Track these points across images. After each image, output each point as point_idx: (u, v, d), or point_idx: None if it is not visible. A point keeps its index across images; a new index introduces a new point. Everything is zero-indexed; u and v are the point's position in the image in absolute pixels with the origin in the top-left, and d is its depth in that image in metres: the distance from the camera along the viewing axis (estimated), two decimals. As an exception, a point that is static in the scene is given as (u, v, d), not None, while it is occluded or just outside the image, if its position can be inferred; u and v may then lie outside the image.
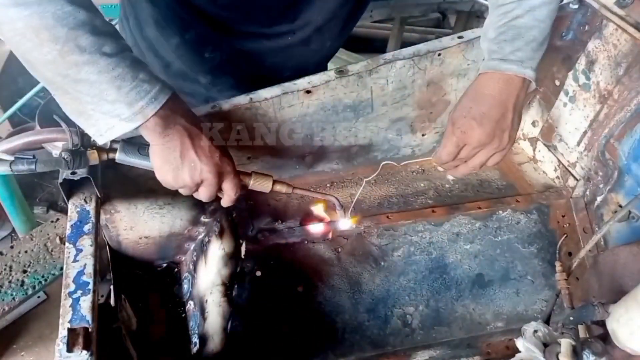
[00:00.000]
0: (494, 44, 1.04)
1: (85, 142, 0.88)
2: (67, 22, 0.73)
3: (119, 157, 0.90)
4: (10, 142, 0.88)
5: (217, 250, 1.21)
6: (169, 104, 0.82)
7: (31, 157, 0.86)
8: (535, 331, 0.85)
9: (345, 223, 1.17)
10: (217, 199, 0.96)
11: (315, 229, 1.23)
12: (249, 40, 1.24)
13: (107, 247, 1.19)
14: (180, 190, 0.91)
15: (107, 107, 0.78)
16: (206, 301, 1.18)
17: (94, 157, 0.89)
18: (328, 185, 1.35)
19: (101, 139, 0.82)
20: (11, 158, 0.85)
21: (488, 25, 1.08)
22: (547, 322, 0.94)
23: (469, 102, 1.04)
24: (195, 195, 0.93)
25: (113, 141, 0.89)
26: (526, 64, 1.01)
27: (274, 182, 0.99)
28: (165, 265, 1.30)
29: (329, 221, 1.23)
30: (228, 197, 0.94)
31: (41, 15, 0.71)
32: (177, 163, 0.86)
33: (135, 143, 0.90)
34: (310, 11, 1.19)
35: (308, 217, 1.26)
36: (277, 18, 1.19)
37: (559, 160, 1.38)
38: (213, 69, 1.28)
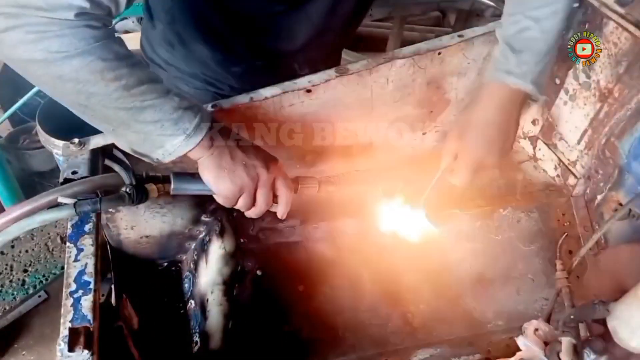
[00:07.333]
0: (501, 55, 1.06)
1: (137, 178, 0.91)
2: (125, 59, 0.76)
3: (175, 186, 0.91)
4: (67, 189, 0.88)
5: (218, 249, 1.21)
6: (210, 115, 0.86)
7: (94, 196, 0.87)
8: (536, 329, 0.85)
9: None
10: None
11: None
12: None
13: (108, 246, 1.19)
14: (240, 202, 0.92)
15: (172, 129, 0.81)
16: (207, 300, 1.18)
17: (153, 190, 0.90)
18: (328, 184, 1.35)
19: (169, 157, 0.84)
20: (72, 201, 0.85)
21: (499, 32, 1.10)
22: (547, 320, 0.94)
23: (473, 126, 1.06)
24: (253, 209, 0.94)
25: (164, 176, 0.92)
26: (528, 78, 1.03)
27: (320, 183, 1.01)
28: (166, 264, 1.30)
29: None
30: (284, 199, 0.95)
31: (104, 58, 0.73)
32: (230, 165, 0.88)
33: (185, 172, 0.92)
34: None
35: (308, 215, 1.26)
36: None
37: (559, 159, 1.38)
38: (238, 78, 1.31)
